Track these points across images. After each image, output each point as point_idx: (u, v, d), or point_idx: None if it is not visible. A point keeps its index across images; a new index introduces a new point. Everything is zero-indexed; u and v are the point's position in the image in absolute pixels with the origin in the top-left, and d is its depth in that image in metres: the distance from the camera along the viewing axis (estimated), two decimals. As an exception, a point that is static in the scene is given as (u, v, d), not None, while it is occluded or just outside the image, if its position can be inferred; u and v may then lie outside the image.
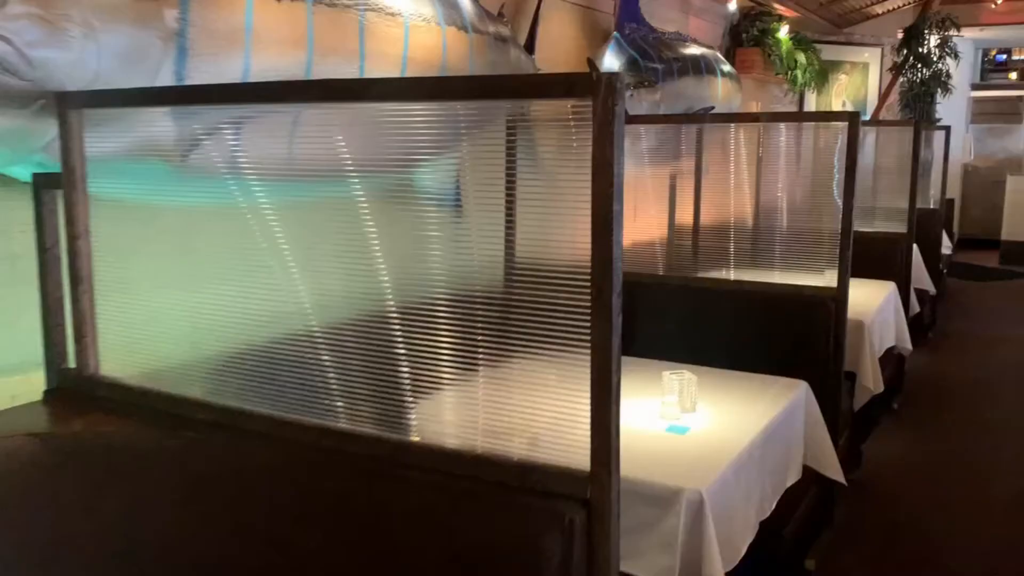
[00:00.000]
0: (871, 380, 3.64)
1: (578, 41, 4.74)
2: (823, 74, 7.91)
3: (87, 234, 1.81)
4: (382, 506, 1.40)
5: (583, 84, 1.22)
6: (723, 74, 5.76)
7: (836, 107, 8.97)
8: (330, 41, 2.23)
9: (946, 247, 7.75)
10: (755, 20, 7.05)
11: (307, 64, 2.17)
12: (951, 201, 8.50)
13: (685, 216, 3.69)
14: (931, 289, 6.05)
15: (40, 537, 1.64)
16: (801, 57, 7.64)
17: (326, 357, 1.60)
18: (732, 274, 3.40)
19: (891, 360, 4.53)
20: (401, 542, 1.37)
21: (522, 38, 3.87)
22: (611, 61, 4.54)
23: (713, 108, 6.22)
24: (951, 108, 10.82)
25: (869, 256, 3.71)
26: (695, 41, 5.52)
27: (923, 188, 6.76)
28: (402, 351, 1.53)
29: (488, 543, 1.31)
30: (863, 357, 3.61)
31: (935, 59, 8.37)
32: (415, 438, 1.48)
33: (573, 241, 1.29)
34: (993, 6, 8.73)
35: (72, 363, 1.87)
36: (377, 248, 1.57)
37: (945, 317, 7.01)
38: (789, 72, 7.72)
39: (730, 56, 6.98)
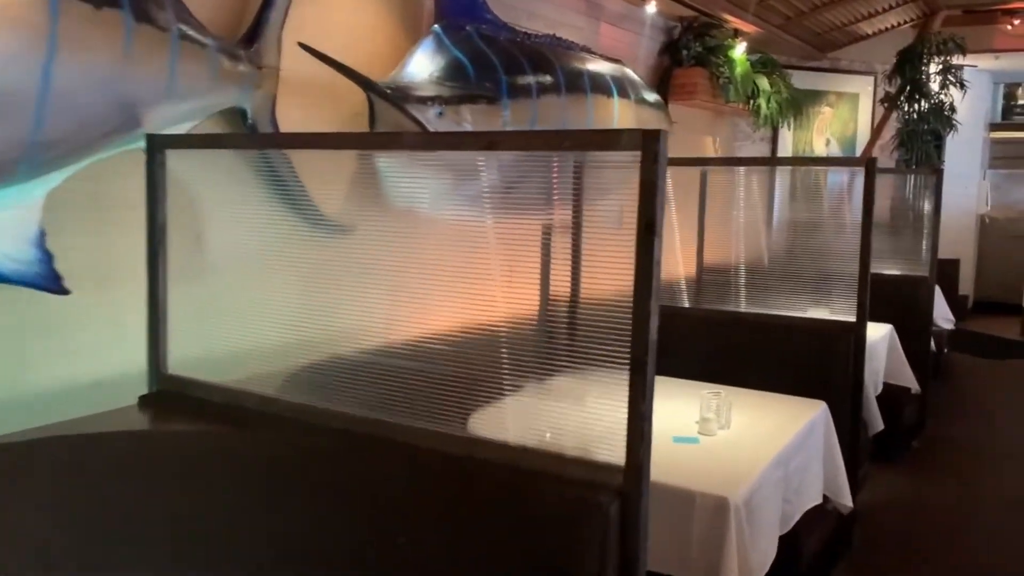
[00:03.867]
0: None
1: (387, 33, 3.36)
2: (794, 104, 6.46)
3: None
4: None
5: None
6: (635, 99, 4.34)
7: (818, 145, 7.50)
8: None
9: (947, 320, 6.22)
10: (700, 35, 5.64)
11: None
12: (955, 262, 6.96)
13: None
14: (913, 386, 4.53)
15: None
16: (763, 83, 6.20)
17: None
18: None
19: (823, 519, 3.02)
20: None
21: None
22: (421, 65, 3.15)
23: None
24: (964, 151, 9.32)
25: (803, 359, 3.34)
26: (588, 51, 4.13)
27: (915, 247, 5.26)
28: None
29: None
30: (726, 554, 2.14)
31: (935, 90, 6.88)
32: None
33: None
34: (1008, 28, 7.26)
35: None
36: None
37: (939, 415, 5.44)
38: (751, 101, 6.28)
39: (668, 78, 5.57)
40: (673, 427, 2.65)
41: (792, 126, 6.83)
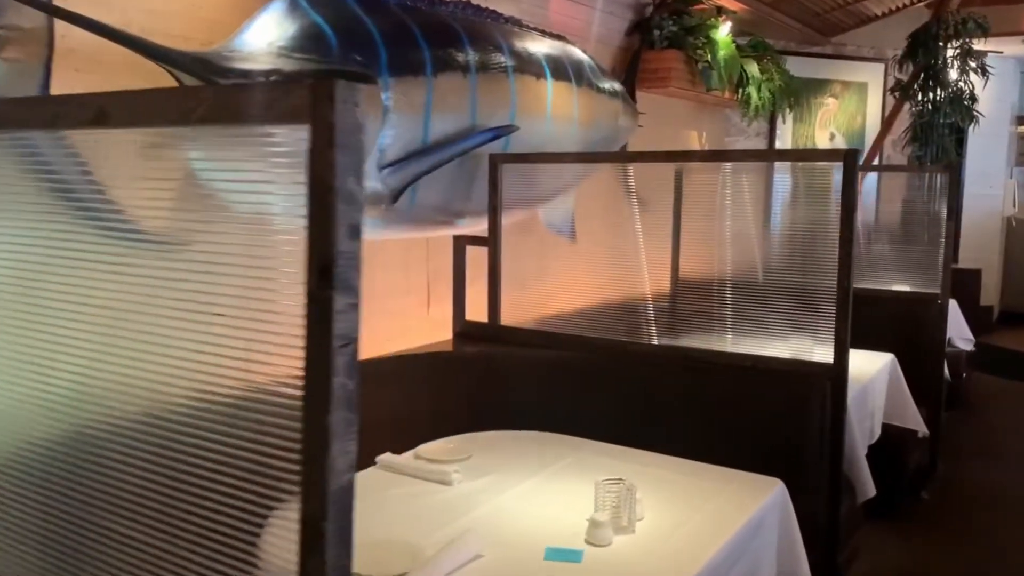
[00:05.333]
0: None
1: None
2: (790, 93, 5.66)
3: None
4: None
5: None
6: (581, 83, 3.59)
7: (821, 140, 6.69)
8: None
9: (965, 340, 5.40)
10: (676, 12, 4.87)
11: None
12: (976, 272, 6.14)
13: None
14: (919, 429, 3.74)
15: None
16: (753, 68, 5.42)
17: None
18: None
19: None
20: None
21: None
22: (262, 32, 2.42)
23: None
24: (988, 146, 8.46)
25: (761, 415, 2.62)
26: (517, 23, 3.38)
27: (928, 258, 4.46)
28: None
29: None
30: None
31: (953, 77, 6.05)
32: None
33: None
34: (1038, 7, 6.42)
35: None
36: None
37: (954, 456, 4.63)
38: (740, 91, 5.50)
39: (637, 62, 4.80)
40: (557, 529, 1.90)
41: (787, 118, 6.04)
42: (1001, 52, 7.72)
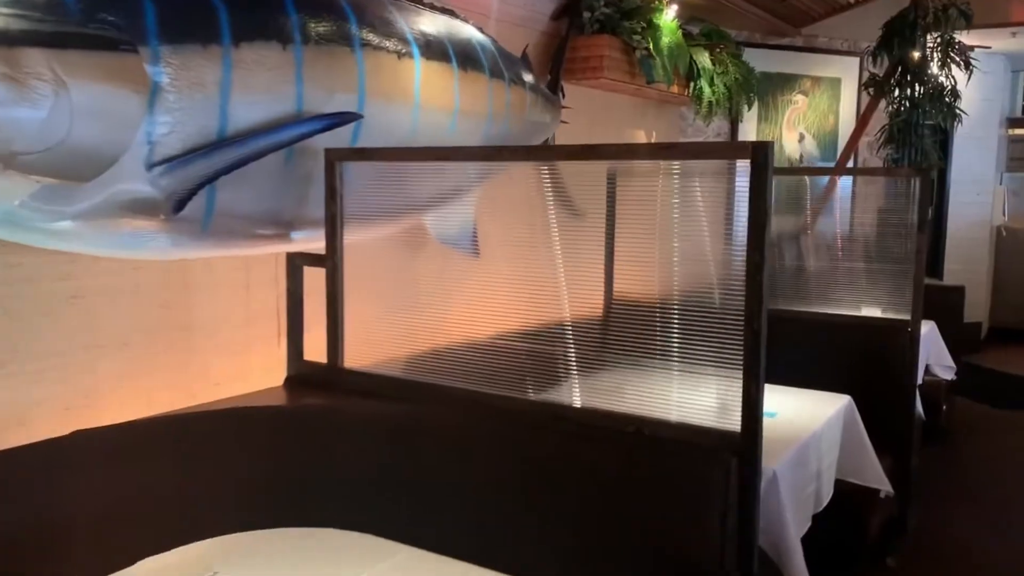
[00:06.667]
0: None
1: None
2: (750, 88, 5.01)
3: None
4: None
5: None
6: (466, 65, 2.94)
7: (790, 141, 6.05)
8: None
9: (945, 368, 4.76)
10: (611, -8, 4.22)
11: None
12: (959, 289, 5.48)
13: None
14: (883, 487, 3.09)
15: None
16: (704, 59, 4.76)
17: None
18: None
19: None
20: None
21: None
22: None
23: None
24: (976, 150, 7.83)
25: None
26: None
27: (900, 279, 3.80)
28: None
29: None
30: None
31: (933, 70, 5.40)
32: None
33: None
34: (1028, -5, 5.79)
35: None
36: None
37: (929, 506, 3.98)
38: (692, 85, 4.85)
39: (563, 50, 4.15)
40: None
41: (745, 117, 5.39)
42: (989, 47, 7.08)
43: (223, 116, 2.14)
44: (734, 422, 1.82)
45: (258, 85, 2.21)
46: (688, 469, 1.86)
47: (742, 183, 1.75)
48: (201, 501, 1.97)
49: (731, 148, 1.76)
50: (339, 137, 2.45)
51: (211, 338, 2.70)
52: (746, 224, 1.73)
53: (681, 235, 2.11)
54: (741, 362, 1.79)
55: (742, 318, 1.78)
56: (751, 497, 1.83)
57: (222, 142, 2.14)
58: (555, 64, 4.13)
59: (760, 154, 1.71)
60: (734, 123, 5.80)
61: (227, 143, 2.14)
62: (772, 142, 1.75)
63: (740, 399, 1.79)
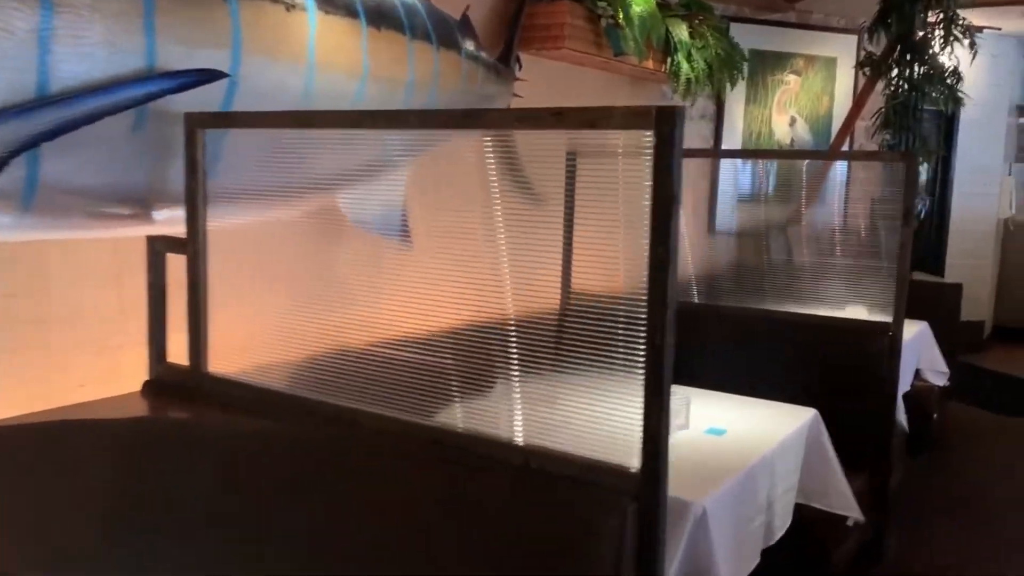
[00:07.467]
0: None
1: None
2: (730, 64, 4.60)
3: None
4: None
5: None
6: (389, 27, 2.56)
7: (780, 124, 5.64)
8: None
9: (938, 373, 4.38)
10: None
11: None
12: (957, 287, 5.08)
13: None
14: (851, 513, 2.71)
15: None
16: (681, 31, 4.36)
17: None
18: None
19: None
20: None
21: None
22: None
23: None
24: (983, 138, 7.39)
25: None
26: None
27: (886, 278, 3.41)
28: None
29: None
30: None
31: (935, 49, 4.98)
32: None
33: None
34: (1040, -30, 5.35)
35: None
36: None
37: (913, 530, 3.60)
38: (669, 60, 4.45)
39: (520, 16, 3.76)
40: None
41: (729, 96, 4.99)
42: (999, 28, 6.65)
43: (42, 70, 1.77)
44: (633, 460, 1.45)
45: (92, 35, 1.83)
46: (579, 514, 1.49)
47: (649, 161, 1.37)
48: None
49: (631, 114, 1.35)
50: (210, 102, 2.07)
51: (72, 333, 2.34)
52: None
53: (595, 227, 1.73)
54: (642, 385, 1.41)
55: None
56: (652, 547, 1.46)
57: (41, 100, 1.77)
58: (510, 32, 3.73)
59: (666, 124, 1.33)
60: (719, 104, 5.40)
61: (47, 101, 1.77)
62: (683, 107, 1.39)
63: (639, 432, 1.42)
